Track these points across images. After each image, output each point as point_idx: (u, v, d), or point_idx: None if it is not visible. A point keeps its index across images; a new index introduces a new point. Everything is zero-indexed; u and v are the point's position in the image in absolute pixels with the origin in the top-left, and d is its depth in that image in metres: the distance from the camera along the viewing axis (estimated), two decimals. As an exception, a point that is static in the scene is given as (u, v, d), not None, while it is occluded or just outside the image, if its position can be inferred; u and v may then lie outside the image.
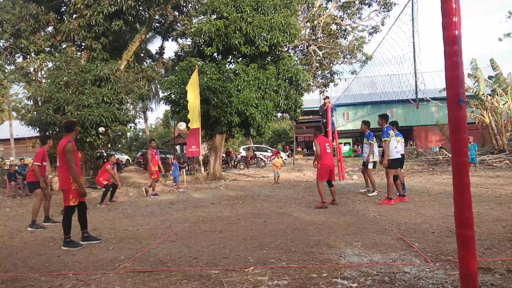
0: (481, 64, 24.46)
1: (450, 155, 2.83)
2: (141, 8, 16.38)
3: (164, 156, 29.38)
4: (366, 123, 8.97)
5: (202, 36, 15.13)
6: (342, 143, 25.08)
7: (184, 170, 15.21)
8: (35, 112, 15.58)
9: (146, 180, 18.46)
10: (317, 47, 21.72)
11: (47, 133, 16.53)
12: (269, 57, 16.82)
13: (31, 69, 16.59)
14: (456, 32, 2.64)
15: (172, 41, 20.57)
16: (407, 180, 12.20)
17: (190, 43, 17.80)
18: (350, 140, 35.69)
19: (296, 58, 21.51)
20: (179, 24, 19.12)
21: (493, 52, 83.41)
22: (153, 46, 78.61)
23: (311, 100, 31.84)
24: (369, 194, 8.89)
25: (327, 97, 13.38)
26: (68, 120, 5.57)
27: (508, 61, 76.43)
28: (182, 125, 14.10)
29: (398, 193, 7.87)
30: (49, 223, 6.98)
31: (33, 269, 4.11)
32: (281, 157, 15.82)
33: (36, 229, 6.56)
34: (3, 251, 5.06)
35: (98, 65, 15.09)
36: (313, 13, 21.07)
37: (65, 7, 17.02)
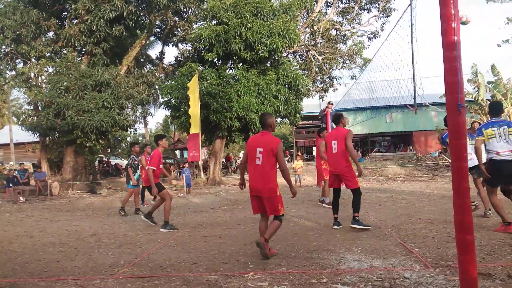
0: (482, 69, 24.53)
1: (450, 160, 2.84)
2: (141, 13, 16.45)
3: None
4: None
5: (202, 41, 15.20)
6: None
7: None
8: (35, 117, 15.59)
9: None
10: (316, 52, 21.80)
11: (47, 138, 16.54)
12: (269, 62, 16.87)
13: (32, 75, 16.62)
14: (455, 37, 2.65)
15: (172, 46, 20.65)
16: (407, 185, 12.19)
17: (190, 48, 17.87)
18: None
19: (296, 64, 21.58)
20: (179, 30, 19.19)
21: (496, 55, 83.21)
22: (154, 51, 78.43)
23: (310, 105, 31.83)
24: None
25: (331, 103, 13.14)
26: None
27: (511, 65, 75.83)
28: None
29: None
30: None
31: (32, 275, 4.09)
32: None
33: None
34: (2, 256, 5.05)
35: (99, 70, 15.13)
36: (313, 18, 21.17)
37: (66, 13, 17.09)
